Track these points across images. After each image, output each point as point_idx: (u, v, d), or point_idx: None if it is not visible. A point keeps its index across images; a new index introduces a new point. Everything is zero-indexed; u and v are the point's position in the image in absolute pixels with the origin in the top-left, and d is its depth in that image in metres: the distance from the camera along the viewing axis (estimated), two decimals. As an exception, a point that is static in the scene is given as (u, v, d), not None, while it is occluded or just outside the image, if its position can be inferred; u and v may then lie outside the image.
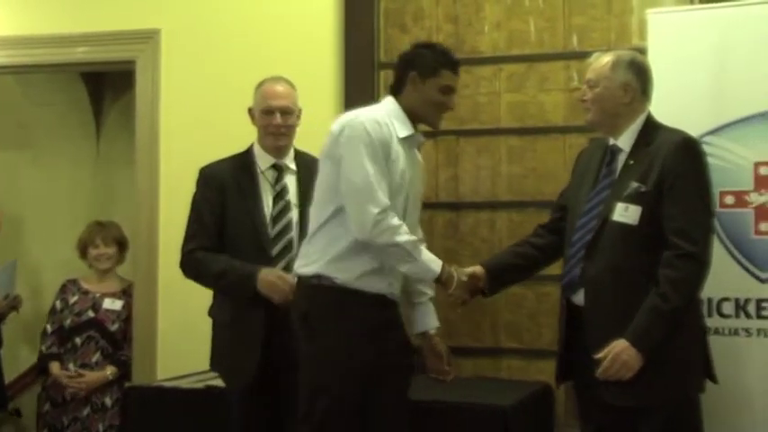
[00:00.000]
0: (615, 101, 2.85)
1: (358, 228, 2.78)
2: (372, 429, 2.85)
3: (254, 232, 3.08)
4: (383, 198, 2.77)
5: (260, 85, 3.21)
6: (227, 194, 3.13)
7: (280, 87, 3.17)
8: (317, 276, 2.82)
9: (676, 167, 2.73)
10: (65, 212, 5.47)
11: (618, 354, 2.67)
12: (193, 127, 4.14)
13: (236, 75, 4.06)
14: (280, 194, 3.13)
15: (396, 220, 2.79)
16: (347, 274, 2.80)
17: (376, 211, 2.75)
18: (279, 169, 3.16)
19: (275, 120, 3.12)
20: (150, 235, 4.18)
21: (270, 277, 3.00)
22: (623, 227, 2.75)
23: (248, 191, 3.12)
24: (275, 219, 3.10)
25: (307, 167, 3.16)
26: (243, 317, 3.06)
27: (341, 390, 2.79)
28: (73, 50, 4.33)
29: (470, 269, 2.96)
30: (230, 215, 3.12)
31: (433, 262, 2.84)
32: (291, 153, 3.21)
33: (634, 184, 2.76)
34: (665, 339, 2.68)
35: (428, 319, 3.03)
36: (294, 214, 3.11)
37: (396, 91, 2.94)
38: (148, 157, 4.20)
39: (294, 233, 3.09)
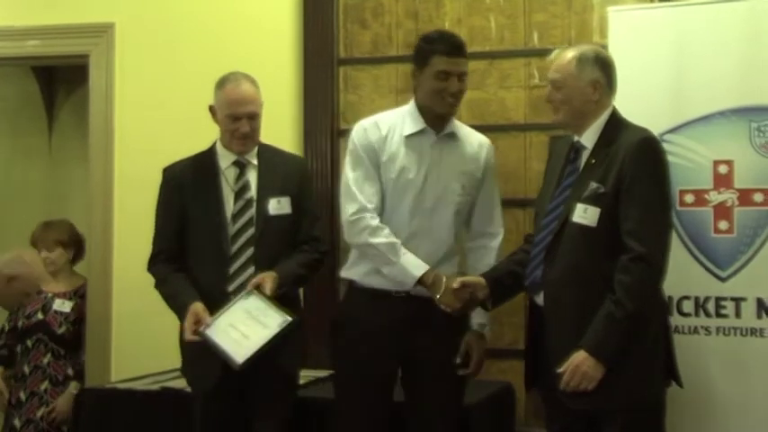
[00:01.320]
0: (584, 99, 2.79)
1: (343, 230, 2.99)
2: (415, 425, 2.94)
3: (214, 231, 3.03)
4: (361, 199, 2.92)
5: (222, 84, 3.09)
6: (185, 195, 3.08)
7: (244, 90, 3.05)
8: (346, 281, 3.06)
9: (633, 168, 2.68)
10: (16, 210, 5.37)
11: (577, 366, 2.65)
12: (148, 123, 4.08)
13: (192, 70, 4.02)
14: (240, 192, 3.07)
15: (375, 222, 2.89)
16: (359, 275, 2.97)
17: (351, 211, 2.92)
18: (240, 166, 3.10)
19: (243, 127, 3.04)
20: (104, 233, 4.12)
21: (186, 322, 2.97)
22: (582, 228, 2.71)
23: (208, 190, 3.07)
24: (235, 216, 3.05)
25: (268, 161, 3.12)
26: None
27: (348, 388, 2.96)
28: (23, 44, 4.25)
29: (465, 278, 2.90)
30: (190, 215, 3.07)
31: (415, 266, 2.86)
32: (255, 148, 3.15)
33: (593, 185, 2.72)
34: (624, 344, 2.65)
35: (473, 317, 2.98)
36: (253, 211, 3.06)
37: (414, 90, 3.03)
38: (102, 153, 4.14)
39: (254, 230, 3.04)
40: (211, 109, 3.13)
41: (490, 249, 3.04)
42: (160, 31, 4.10)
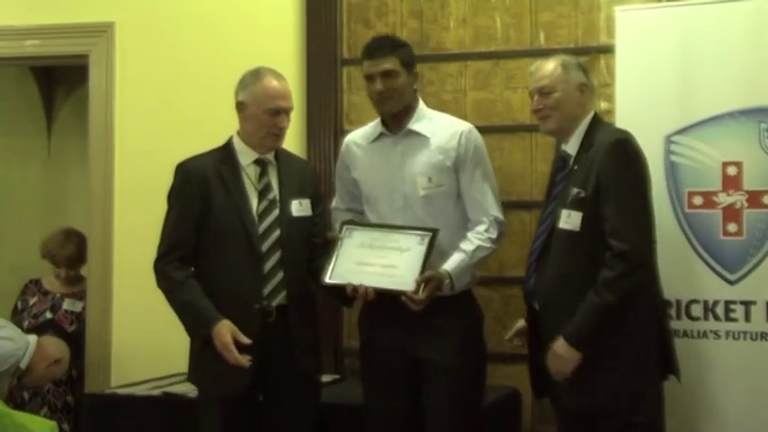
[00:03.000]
0: (574, 102, 2.90)
1: None
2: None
3: (242, 228, 2.96)
4: (334, 200, 3.26)
5: (257, 78, 3.04)
6: (210, 188, 2.99)
7: (283, 84, 3.06)
8: None
9: (608, 169, 2.77)
10: (15, 213, 5.39)
11: (553, 350, 2.78)
12: (149, 123, 4.10)
13: (194, 69, 4.04)
14: (264, 191, 3.03)
15: (334, 214, 3.23)
16: None
17: None
18: (262, 164, 3.06)
19: (283, 122, 3.04)
20: (104, 237, 4.14)
21: (221, 341, 2.87)
22: (568, 234, 2.80)
23: (232, 185, 3.00)
24: (261, 216, 3.00)
25: (286, 161, 3.12)
26: (237, 322, 2.92)
27: (366, 387, 3.09)
28: (22, 43, 4.27)
29: None
30: (215, 210, 2.98)
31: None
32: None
33: (575, 190, 2.81)
34: (598, 332, 2.74)
35: (445, 263, 2.96)
36: (277, 212, 3.02)
37: None
38: (102, 154, 4.15)
39: (279, 231, 3.00)
40: (241, 105, 3.04)
41: (482, 222, 3.02)
42: (161, 30, 4.12)
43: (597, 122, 2.94)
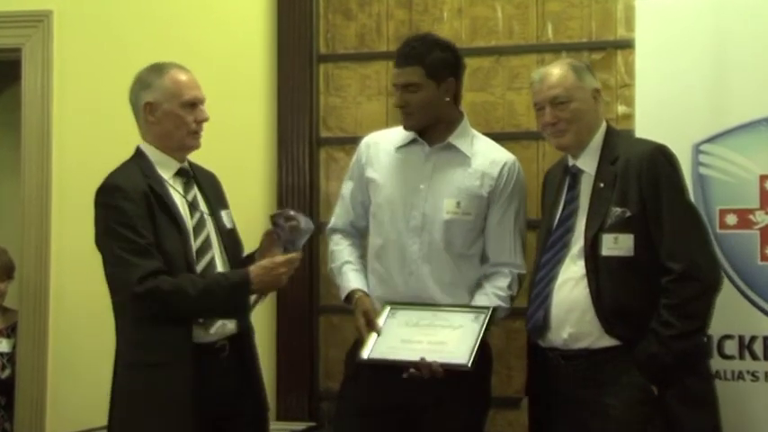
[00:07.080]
0: (591, 112, 2.94)
1: None
2: None
3: (182, 248, 2.98)
4: (333, 220, 3.28)
5: (159, 73, 3.08)
6: (151, 206, 2.98)
7: (191, 74, 3.09)
8: None
9: (652, 184, 2.81)
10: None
11: None
12: (92, 129, 4.09)
13: (142, 66, 4.00)
14: (193, 204, 3.05)
15: (332, 236, 3.26)
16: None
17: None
18: (186, 175, 3.09)
19: (201, 114, 3.05)
20: (40, 262, 4.10)
21: (261, 270, 2.95)
22: (620, 261, 2.79)
23: (166, 201, 3.01)
24: (194, 232, 3.03)
25: (198, 169, 3.15)
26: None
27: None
28: (-58, 35, 4.26)
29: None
30: (158, 230, 2.98)
31: (346, 286, 3.12)
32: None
33: (617, 210, 2.82)
34: (682, 369, 2.75)
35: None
36: (210, 226, 3.06)
37: None
38: (37, 163, 4.14)
39: (215, 249, 3.04)
40: (150, 106, 3.05)
41: (504, 274, 3.08)
42: (106, 20, 4.11)
43: (613, 133, 2.97)
